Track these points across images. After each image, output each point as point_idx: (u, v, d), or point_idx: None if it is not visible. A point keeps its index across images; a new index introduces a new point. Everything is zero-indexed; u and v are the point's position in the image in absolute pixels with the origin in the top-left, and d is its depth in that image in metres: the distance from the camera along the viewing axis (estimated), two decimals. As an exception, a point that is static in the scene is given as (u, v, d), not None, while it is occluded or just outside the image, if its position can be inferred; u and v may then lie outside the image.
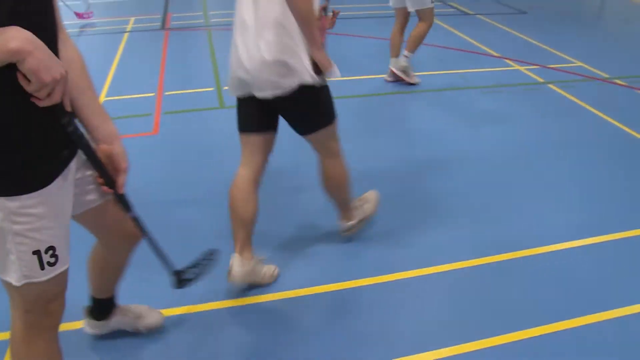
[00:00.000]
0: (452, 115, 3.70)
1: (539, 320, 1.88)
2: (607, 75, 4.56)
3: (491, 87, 4.26)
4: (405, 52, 4.02)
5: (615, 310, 1.92)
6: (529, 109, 3.88)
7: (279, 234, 2.30)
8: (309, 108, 1.72)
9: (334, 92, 1.85)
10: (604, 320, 1.90)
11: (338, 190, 1.98)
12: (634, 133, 3.51)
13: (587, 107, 3.91)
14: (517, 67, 4.76)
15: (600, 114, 3.79)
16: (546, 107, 3.91)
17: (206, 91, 4.01)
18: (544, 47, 5.39)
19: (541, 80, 4.42)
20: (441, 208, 2.56)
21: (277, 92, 1.63)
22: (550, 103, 3.99)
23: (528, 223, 2.48)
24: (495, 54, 5.13)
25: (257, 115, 1.75)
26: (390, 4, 3.97)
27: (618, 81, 4.45)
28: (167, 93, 3.92)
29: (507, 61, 4.91)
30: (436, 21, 6.15)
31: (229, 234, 1.89)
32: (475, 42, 5.49)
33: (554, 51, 5.25)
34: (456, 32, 5.86)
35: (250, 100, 1.72)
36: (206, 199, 2.56)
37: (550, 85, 4.29)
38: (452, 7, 7.12)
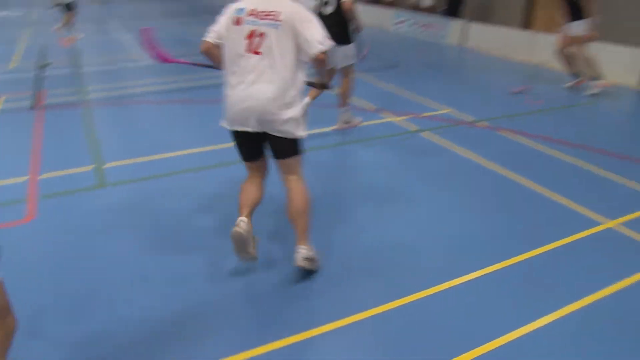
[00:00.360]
0: (331, 171, 3.82)
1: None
2: (472, 119, 5.05)
3: (369, 139, 4.45)
4: (345, 108, 4.55)
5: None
6: (403, 156, 4.14)
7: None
8: (293, 139, 2.28)
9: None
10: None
11: (303, 214, 2.32)
12: (503, 171, 3.84)
13: (456, 148, 4.27)
14: (392, 118, 5.08)
15: (469, 155, 4.15)
16: (419, 153, 4.21)
17: (85, 170, 3.80)
18: (416, 97, 5.86)
19: (415, 128, 4.76)
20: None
21: (278, 131, 2.23)
22: (423, 148, 4.30)
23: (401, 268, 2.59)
24: (371, 107, 5.44)
25: (254, 147, 2.35)
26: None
27: (482, 123, 4.94)
28: (43, 176, 3.63)
29: (383, 114, 5.22)
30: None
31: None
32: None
33: (425, 101, 5.73)
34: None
35: (244, 133, 2.28)
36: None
37: (423, 134, 4.63)
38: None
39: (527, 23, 8.93)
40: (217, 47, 2.26)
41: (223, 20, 2.25)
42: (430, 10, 10.77)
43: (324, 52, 2.15)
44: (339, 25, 4.11)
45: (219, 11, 2.51)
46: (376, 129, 4.79)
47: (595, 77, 5.80)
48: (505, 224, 3.07)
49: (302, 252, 2.36)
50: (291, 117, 2.20)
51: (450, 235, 2.93)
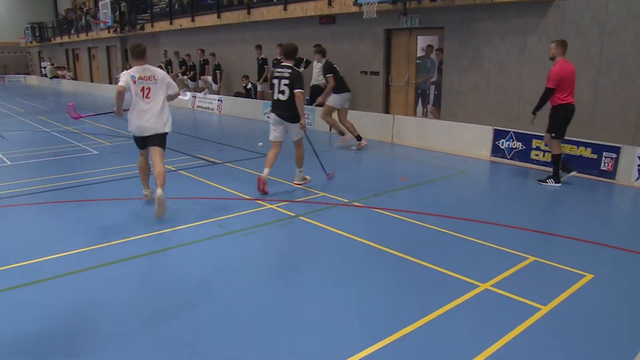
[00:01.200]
0: (211, 261, 3.54)
1: None
2: (347, 200, 5.19)
3: (249, 228, 4.31)
4: (299, 169, 5.92)
5: None
6: (287, 241, 4.03)
7: None
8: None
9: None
10: None
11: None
12: (383, 247, 3.92)
13: (335, 230, 4.28)
14: (269, 206, 5.03)
15: (348, 235, 4.18)
16: (300, 236, 4.14)
17: None
18: (287, 183, 5.90)
19: (293, 214, 4.73)
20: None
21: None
22: (303, 231, 4.25)
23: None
24: (247, 197, 5.35)
25: (144, 142, 4.92)
26: (271, 138, 5.69)
27: (356, 203, 5.09)
28: None
29: (260, 202, 5.16)
30: (187, 174, 6.26)
31: None
32: (227, 189, 5.66)
33: (300, 186, 5.80)
34: (208, 182, 5.99)
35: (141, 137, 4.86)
36: None
37: (302, 217, 4.62)
38: (199, 158, 7.39)
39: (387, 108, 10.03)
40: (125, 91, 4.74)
41: (125, 80, 4.77)
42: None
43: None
44: (291, 109, 5.60)
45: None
46: (255, 218, 4.65)
47: (357, 137, 8.00)
48: (393, 297, 3.16)
49: (159, 192, 4.57)
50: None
51: (340, 315, 2.93)
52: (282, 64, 5.68)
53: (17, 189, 5.69)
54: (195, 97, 14.54)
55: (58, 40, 26.37)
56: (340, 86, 7.84)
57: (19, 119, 12.33)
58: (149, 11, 17.22)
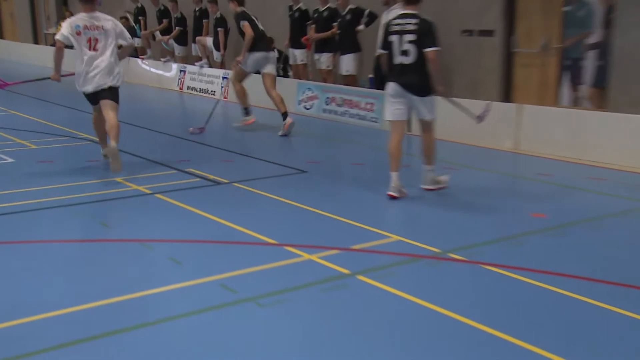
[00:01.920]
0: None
1: None
2: (438, 250, 5.47)
3: (272, 294, 4.64)
4: (429, 167, 7.20)
5: None
6: (332, 319, 4.30)
7: None
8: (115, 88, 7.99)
9: None
10: None
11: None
12: (510, 338, 4.11)
13: (417, 301, 4.51)
14: (307, 255, 5.38)
15: (440, 310, 4.38)
16: (356, 312, 4.40)
17: None
18: (340, 219, 6.30)
19: (346, 271, 5.04)
20: None
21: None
22: (362, 303, 4.51)
23: None
24: (271, 240, 5.74)
25: (94, 98, 7.87)
26: (389, 117, 7.09)
27: (454, 255, 5.36)
28: None
29: (290, 249, 5.51)
30: (171, 201, 6.87)
31: None
32: (237, 227, 6.09)
33: (355, 223, 6.15)
34: (206, 214, 6.47)
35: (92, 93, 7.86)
36: None
37: (361, 277, 4.91)
38: (192, 174, 7.96)
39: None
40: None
41: (67, 31, 7.50)
42: (351, 80, 12.05)
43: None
44: (421, 75, 6.81)
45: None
46: (282, 277, 4.99)
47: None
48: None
49: (112, 144, 7.48)
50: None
51: None
52: (402, 12, 6.83)
53: None
54: (184, 71, 15.47)
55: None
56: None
57: None
58: None
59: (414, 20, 6.75)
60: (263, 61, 10.55)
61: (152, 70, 16.68)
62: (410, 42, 6.74)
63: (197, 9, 15.26)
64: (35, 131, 10.28)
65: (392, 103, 7.02)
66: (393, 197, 6.90)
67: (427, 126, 7.11)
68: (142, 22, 17.03)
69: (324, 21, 12.27)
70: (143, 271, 5.12)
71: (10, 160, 8.49)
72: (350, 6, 11.82)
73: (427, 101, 6.95)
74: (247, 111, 10.92)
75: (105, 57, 7.61)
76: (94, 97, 7.79)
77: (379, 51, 7.43)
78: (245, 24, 10.26)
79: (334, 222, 6.28)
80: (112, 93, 7.74)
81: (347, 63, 11.93)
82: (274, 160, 8.66)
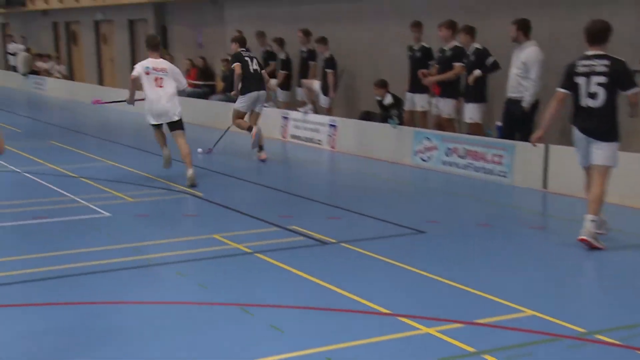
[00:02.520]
0: None
1: None
2: (583, 330, 5.31)
3: None
4: (591, 217, 7.30)
5: None
6: None
7: None
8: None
9: None
10: None
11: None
12: None
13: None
14: (424, 328, 5.36)
15: None
16: None
17: None
18: (463, 287, 6.25)
19: (471, 349, 4.98)
20: None
21: None
22: None
23: None
24: (383, 309, 5.75)
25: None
26: (580, 163, 7.71)
27: (603, 337, 5.18)
28: None
29: (405, 320, 5.50)
30: (272, 261, 7.03)
31: None
32: (345, 293, 6.15)
33: (480, 293, 6.08)
34: (315, 279, 6.58)
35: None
36: None
37: (487, 357, 4.84)
38: (296, 232, 8.13)
39: None
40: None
41: (139, 70, 10.77)
42: (475, 129, 11.98)
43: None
44: (608, 119, 7.37)
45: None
46: (396, 351, 4.99)
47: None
48: None
49: (190, 172, 10.58)
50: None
51: None
52: (589, 53, 7.34)
53: None
54: (287, 118, 15.88)
55: (40, 4, 30.15)
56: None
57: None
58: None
59: (605, 62, 7.14)
60: (256, 101, 12.98)
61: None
62: (599, 84, 7.21)
63: (304, 49, 15.68)
64: (132, 183, 10.78)
65: (577, 149, 7.63)
66: (587, 243, 7.18)
67: (600, 172, 7.39)
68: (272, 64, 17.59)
69: (447, 61, 12.27)
70: (242, 339, 5.24)
71: (106, 214, 8.94)
72: (475, 45, 11.75)
73: (609, 147, 7.33)
74: (250, 129, 13.00)
75: (167, 93, 10.68)
76: (159, 126, 11.03)
77: (559, 90, 7.64)
78: (236, 65, 12.76)
79: (456, 291, 6.24)
80: (178, 124, 10.84)
81: (472, 111, 11.89)
82: (387, 219, 8.71)
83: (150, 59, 10.80)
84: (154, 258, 7.19)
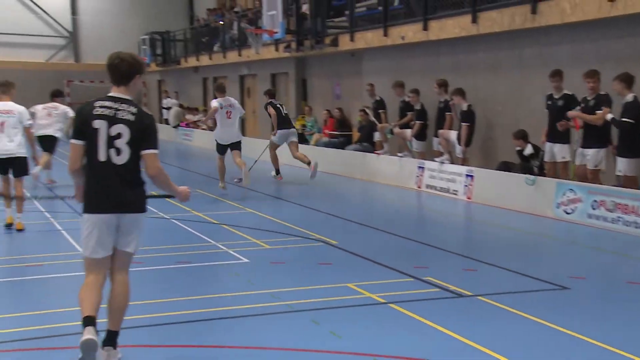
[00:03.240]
0: None
1: None
2: None
3: None
4: None
5: None
6: None
7: None
8: None
9: None
10: None
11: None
12: None
13: None
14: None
15: None
16: None
17: None
18: (610, 348, 5.97)
19: None
20: None
21: None
22: None
23: None
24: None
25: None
26: None
27: None
28: None
29: None
30: (409, 313, 6.94)
31: None
32: (480, 347, 6.02)
33: (630, 356, 5.78)
34: (449, 332, 6.46)
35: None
36: None
37: None
38: (430, 284, 8.01)
39: None
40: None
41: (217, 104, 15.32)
42: (627, 182, 11.40)
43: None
44: None
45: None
46: None
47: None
48: None
49: (244, 181, 15.16)
50: None
51: None
52: None
53: (106, 318, 6.91)
54: (423, 167, 15.84)
55: (192, 62, 32.14)
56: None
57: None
58: (346, 13, 19.94)
59: None
60: (288, 136, 16.86)
61: (389, 166, 17.23)
62: None
63: (441, 100, 15.64)
64: (269, 230, 10.98)
65: None
66: None
67: None
68: (382, 115, 17.75)
69: (591, 110, 11.79)
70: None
71: (245, 260, 9.13)
72: (629, 96, 11.22)
73: None
74: (277, 171, 17.04)
75: (235, 123, 15.08)
76: (225, 149, 15.18)
77: None
78: (270, 109, 16.90)
79: (601, 351, 5.99)
80: (239, 144, 15.27)
81: (624, 164, 11.33)
82: (527, 272, 8.43)
83: (220, 98, 15.24)
84: (286, 305, 7.22)
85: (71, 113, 16.31)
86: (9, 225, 11.02)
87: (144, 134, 5.46)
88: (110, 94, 5.56)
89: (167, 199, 7.48)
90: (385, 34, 17.65)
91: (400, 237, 10.67)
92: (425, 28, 16.17)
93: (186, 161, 23.62)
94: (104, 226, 5.45)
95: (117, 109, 5.43)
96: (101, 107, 5.44)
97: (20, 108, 10.85)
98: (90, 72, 39.36)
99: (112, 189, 5.46)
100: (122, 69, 5.52)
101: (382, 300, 7.34)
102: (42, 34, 39.26)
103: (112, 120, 5.39)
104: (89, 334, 5.18)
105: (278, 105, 17.05)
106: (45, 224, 11.69)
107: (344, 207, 13.59)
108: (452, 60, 16.64)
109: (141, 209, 5.67)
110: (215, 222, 11.84)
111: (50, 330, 6.51)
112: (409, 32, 16.86)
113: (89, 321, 5.28)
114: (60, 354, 6.06)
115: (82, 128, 5.45)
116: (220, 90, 15.54)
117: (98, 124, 5.39)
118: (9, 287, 8.15)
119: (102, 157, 5.40)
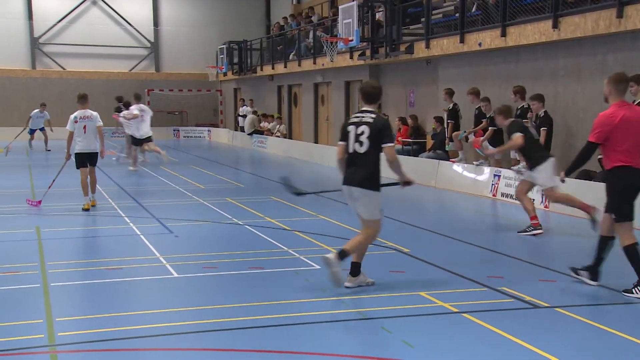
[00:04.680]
0: None
1: None
2: None
3: None
4: None
5: None
6: None
7: None
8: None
9: None
10: None
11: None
12: None
13: None
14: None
15: None
16: None
17: None
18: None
19: None
20: None
21: None
22: None
23: None
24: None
25: None
26: None
27: None
28: None
29: None
30: (482, 323, 6.80)
31: None
32: (553, 358, 5.85)
33: None
34: (523, 343, 6.31)
35: None
36: None
37: None
38: (505, 294, 7.84)
39: None
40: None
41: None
42: None
43: None
44: None
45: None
46: None
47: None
48: None
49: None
50: None
51: None
52: None
53: (181, 321, 7.01)
54: (499, 176, 15.56)
55: (267, 70, 32.43)
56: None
57: (195, 201, 15.19)
58: (422, 21, 19.76)
59: None
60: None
61: (464, 174, 16.98)
62: None
63: (518, 107, 15.30)
64: (341, 237, 10.87)
65: None
66: None
67: None
68: (450, 125, 17.54)
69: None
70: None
71: (316, 266, 9.04)
72: None
73: None
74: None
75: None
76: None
77: None
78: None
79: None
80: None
81: None
82: (608, 284, 8.13)
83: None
84: (357, 312, 7.12)
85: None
86: (86, 210, 13.52)
87: (379, 132, 7.81)
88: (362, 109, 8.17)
89: (395, 185, 8.62)
90: (462, 41, 17.45)
91: (474, 246, 10.45)
92: (503, 34, 15.91)
93: (260, 168, 23.79)
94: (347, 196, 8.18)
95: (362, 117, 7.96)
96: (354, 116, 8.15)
97: (95, 113, 13.82)
98: (169, 81, 40.45)
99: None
100: (370, 92, 8.22)
101: (455, 310, 7.19)
102: (126, 45, 40.28)
103: (357, 125, 7.94)
104: (332, 254, 7.84)
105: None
106: (125, 229, 11.89)
107: (417, 215, 13.44)
108: (532, 66, 16.32)
109: (368, 187, 7.90)
110: (288, 228, 11.82)
111: (128, 332, 6.61)
112: (487, 39, 16.62)
113: (343, 253, 7.85)
114: (138, 355, 6.14)
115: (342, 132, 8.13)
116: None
117: (350, 128, 8.00)
118: (90, 288, 8.27)
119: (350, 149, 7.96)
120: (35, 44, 38.65)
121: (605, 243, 8.00)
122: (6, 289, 8.08)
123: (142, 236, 11.16)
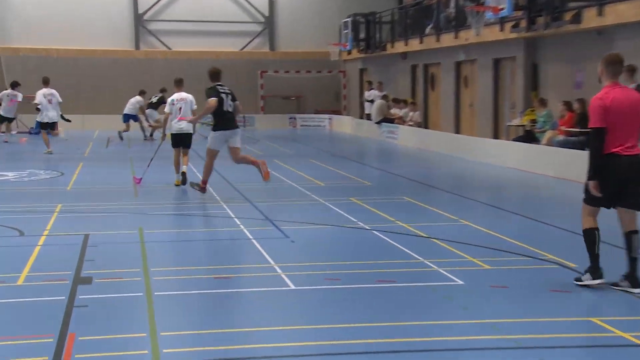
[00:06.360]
0: None
1: None
2: None
3: None
4: None
5: None
6: None
7: None
8: None
9: None
10: None
11: None
12: None
13: None
14: None
15: None
16: None
17: None
18: None
19: None
20: None
21: None
22: None
23: None
24: None
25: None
26: None
27: None
28: None
29: None
30: None
31: None
32: None
33: None
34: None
35: None
36: None
37: None
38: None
39: None
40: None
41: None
42: None
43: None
44: None
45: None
46: None
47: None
48: None
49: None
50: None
51: None
52: None
53: (300, 341, 6.94)
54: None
55: (399, 47, 32.29)
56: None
57: (314, 201, 15.28)
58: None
59: None
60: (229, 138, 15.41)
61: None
62: None
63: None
64: (488, 247, 10.62)
65: None
66: None
67: None
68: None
69: None
70: None
71: (459, 282, 8.83)
72: None
73: None
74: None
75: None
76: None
77: None
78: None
79: None
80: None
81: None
82: None
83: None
84: (515, 340, 6.84)
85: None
86: (177, 185, 16.69)
87: None
88: None
89: None
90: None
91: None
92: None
93: (389, 163, 23.68)
94: None
95: None
96: None
97: (190, 96, 16.88)
98: (285, 61, 40.71)
99: None
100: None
101: (636, 342, 6.81)
102: (237, 20, 40.93)
103: None
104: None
105: (222, 96, 15.03)
106: (235, 231, 12.03)
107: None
108: None
109: None
110: (424, 235, 11.64)
111: (240, 352, 6.61)
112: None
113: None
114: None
115: None
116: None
117: None
118: (196, 299, 8.35)
119: None
120: (139, 21, 39.86)
121: (630, 240, 8.69)
122: (107, 296, 8.28)
123: (254, 240, 11.23)
